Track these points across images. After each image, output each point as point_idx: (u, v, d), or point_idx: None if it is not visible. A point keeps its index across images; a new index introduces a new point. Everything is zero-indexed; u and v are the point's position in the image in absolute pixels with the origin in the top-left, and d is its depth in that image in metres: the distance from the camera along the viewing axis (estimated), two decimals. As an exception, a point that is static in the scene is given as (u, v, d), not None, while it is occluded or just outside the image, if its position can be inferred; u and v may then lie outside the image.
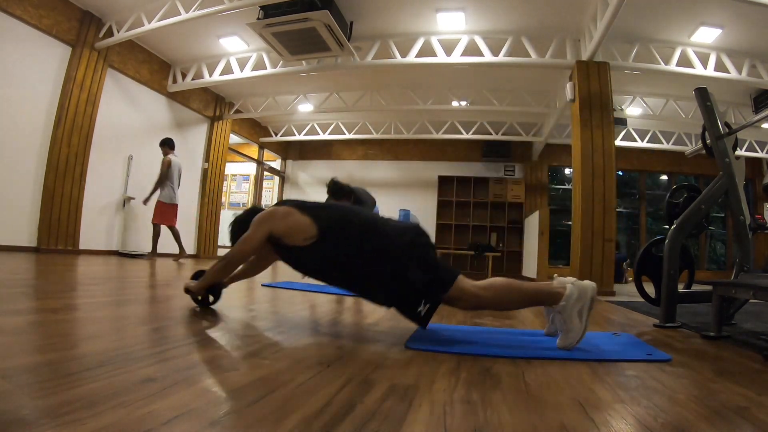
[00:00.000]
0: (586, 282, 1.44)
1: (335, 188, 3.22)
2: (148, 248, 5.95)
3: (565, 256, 8.42)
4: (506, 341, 1.55)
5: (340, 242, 1.50)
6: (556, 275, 1.49)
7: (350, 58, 5.50)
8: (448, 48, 5.27)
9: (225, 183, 8.90)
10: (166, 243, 6.82)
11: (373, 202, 3.62)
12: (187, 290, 1.81)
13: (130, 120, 6.14)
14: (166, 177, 5.58)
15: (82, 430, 0.59)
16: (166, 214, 5.65)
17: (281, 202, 1.68)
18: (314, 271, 1.64)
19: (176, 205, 5.77)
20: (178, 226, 6.27)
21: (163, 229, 5.78)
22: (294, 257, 1.62)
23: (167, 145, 5.73)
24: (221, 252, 8.10)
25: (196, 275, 1.87)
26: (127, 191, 5.99)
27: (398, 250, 1.45)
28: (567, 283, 1.45)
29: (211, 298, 1.85)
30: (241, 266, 1.81)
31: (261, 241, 1.60)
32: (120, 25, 5.36)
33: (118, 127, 5.94)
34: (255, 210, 1.74)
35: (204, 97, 7.62)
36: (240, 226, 1.74)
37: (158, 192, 5.61)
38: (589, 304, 1.40)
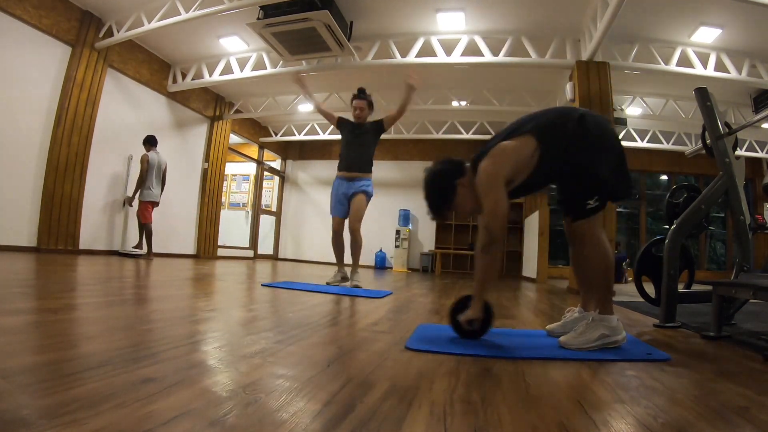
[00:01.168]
0: (624, 332, 1.49)
1: (361, 90, 3.55)
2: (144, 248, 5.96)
3: (565, 256, 8.42)
4: (506, 341, 1.55)
5: (557, 143, 1.50)
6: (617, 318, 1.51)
7: (350, 58, 5.50)
8: (448, 48, 5.27)
9: (225, 183, 8.89)
10: (167, 243, 6.83)
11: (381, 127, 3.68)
12: (471, 321, 1.50)
13: (130, 120, 6.14)
14: (145, 175, 5.58)
15: (82, 430, 0.60)
16: (147, 212, 5.66)
17: (484, 151, 1.55)
18: (536, 188, 1.65)
19: (154, 202, 5.76)
20: (177, 225, 6.26)
21: (153, 225, 5.82)
22: (524, 186, 1.57)
23: (148, 142, 5.73)
24: (221, 252, 8.10)
25: (461, 303, 1.56)
26: (127, 191, 5.98)
27: (606, 147, 1.51)
28: (616, 315, 1.51)
29: (490, 311, 1.56)
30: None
31: (506, 195, 1.48)
32: (120, 25, 5.36)
33: (118, 127, 5.94)
34: (446, 169, 1.61)
35: (204, 97, 7.62)
36: (443, 192, 1.61)
37: (140, 192, 5.61)
38: (611, 342, 1.45)
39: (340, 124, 3.63)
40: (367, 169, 3.55)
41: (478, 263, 1.52)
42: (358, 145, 3.54)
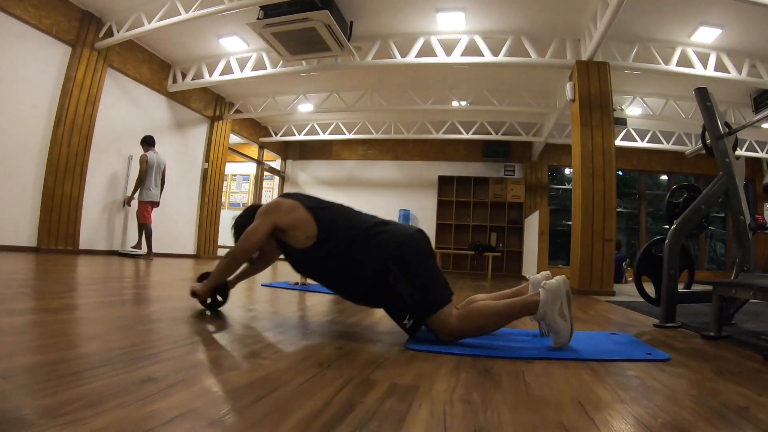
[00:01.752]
0: (555, 280, 1.42)
1: None
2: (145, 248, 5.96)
3: (565, 256, 8.42)
4: (506, 341, 1.55)
5: (337, 245, 1.49)
6: (529, 275, 1.47)
7: (350, 58, 5.50)
8: (448, 48, 5.27)
9: (225, 183, 8.89)
10: (167, 243, 6.83)
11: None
12: (194, 293, 1.76)
13: (130, 120, 6.14)
14: (144, 175, 5.62)
15: (82, 429, 0.60)
16: (147, 212, 5.69)
17: (286, 195, 1.68)
18: (310, 272, 1.64)
19: (155, 203, 5.79)
20: (178, 225, 6.26)
21: (154, 226, 5.83)
22: (294, 256, 1.62)
23: (147, 142, 5.77)
24: (221, 252, 8.10)
25: (202, 277, 1.84)
26: (127, 191, 5.99)
27: (389, 257, 1.41)
28: (539, 285, 1.45)
29: (219, 299, 1.83)
30: (244, 264, 1.79)
31: (267, 232, 1.58)
32: (120, 25, 5.36)
33: (118, 127, 5.94)
34: (255, 207, 1.72)
35: (204, 97, 7.62)
36: (242, 222, 1.72)
37: (139, 192, 5.65)
38: (566, 300, 1.39)
39: None
40: None
41: (223, 261, 1.69)
42: None
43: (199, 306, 1.81)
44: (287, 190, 10.65)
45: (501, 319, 1.45)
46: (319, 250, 1.51)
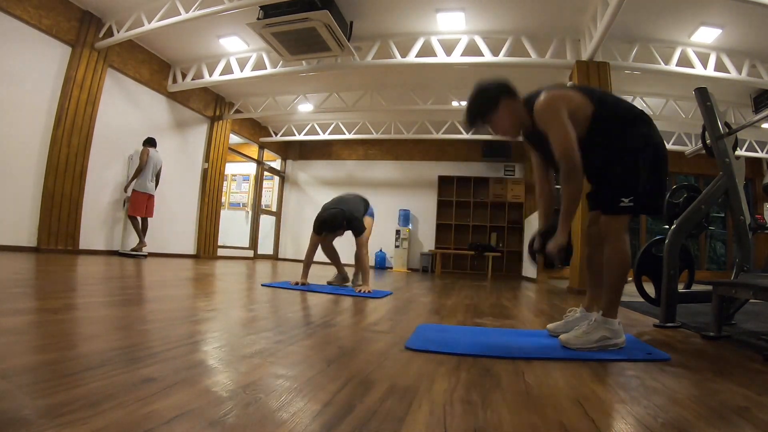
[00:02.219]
0: (624, 336, 1.49)
1: (332, 225, 3.27)
2: (148, 249, 5.95)
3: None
4: (506, 341, 1.55)
5: (610, 117, 1.53)
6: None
7: (350, 58, 5.50)
8: (448, 48, 5.27)
9: (225, 183, 8.89)
10: (166, 243, 6.83)
11: (366, 205, 3.63)
12: (560, 247, 1.51)
13: (130, 120, 6.14)
14: (143, 167, 5.74)
15: (82, 430, 0.60)
16: (139, 203, 5.75)
17: (551, 87, 1.62)
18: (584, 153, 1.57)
19: (150, 195, 5.87)
20: (177, 225, 6.26)
21: (153, 225, 5.87)
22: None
23: (148, 143, 5.94)
24: (221, 252, 8.10)
25: (546, 233, 1.60)
26: (127, 191, 5.98)
27: (651, 144, 1.50)
28: (618, 319, 1.51)
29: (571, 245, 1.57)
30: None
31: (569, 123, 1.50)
32: (120, 25, 5.36)
33: (118, 127, 5.94)
34: (497, 84, 1.64)
35: (204, 97, 7.62)
36: (489, 101, 1.62)
37: (135, 181, 5.74)
38: (611, 344, 1.45)
39: (320, 229, 3.41)
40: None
41: (564, 192, 1.52)
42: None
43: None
44: (287, 190, 10.65)
45: (622, 284, 1.52)
46: (595, 124, 1.52)
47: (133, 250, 5.77)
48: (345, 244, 3.70)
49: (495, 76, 1.71)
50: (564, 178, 1.50)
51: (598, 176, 1.64)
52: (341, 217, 3.25)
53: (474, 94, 1.65)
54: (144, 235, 5.84)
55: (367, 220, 3.49)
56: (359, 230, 3.34)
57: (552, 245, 1.52)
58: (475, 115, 1.65)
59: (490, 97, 1.62)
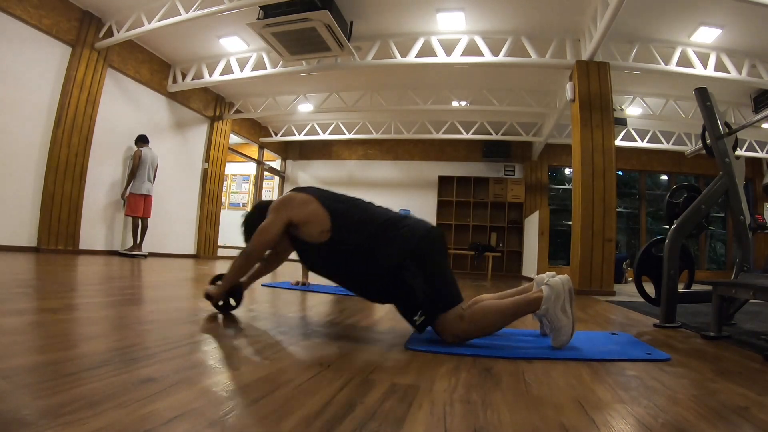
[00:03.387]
0: (558, 279, 1.43)
1: None
2: (148, 249, 5.95)
3: (565, 256, 8.42)
4: (506, 341, 1.55)
5: (351, 239, 1.47)
6: (534, 275, 1.47)
7: (350, 58, 5.50)
8: (448, 48, 5.27)
9: (225, 183, 8.89)
10: (166, 243, 6.83)
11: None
12: (208, 296, 1.72)
13: (130, 120, 6.14)
14: (137, 169, 5.76)
15: (82, 430, 0.59)
16: (136, 205, 5.76)
17: (298, 189, 1.65)
18: (323, 268, 1.61)
19: (146, 196, 5.89)
20: (177, 225, 6.25)
21: (153, 225, 5.87)
22: (306, 252, 1.61)
23: (141, 140, 5.95)
24: (221, 252, 8.10)
25: (215, 279, 1.79)
26: (124, 196, 5.99)
27: (407, 253, 1.40)
28: (543, 283, 1.45)
29: (232, 302, 1.78)
30: (257, 264, 1.78)
31: (281, 228, 1.54)
32: (120, 25, 5.36)
33: (118, 127, 5.94)
34: (264, 204, 1.70)
35: (204, 97, 7.62)
36: (253, 220, 1.68)
37: (131, 184, 5.77)
38: (568, 298, 1.40)
39: None
40: None
41: (237, 260, 1.65)
42: None
43: (212, 309, 1.76)
44: (287, 190, 10.64)
45: (506, 317, 1.44)
46: (333, 245, 1.49)
47: (126, 250, 5.78)
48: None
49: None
50: (242, 251, 1.65)
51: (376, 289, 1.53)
52: None
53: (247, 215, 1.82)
54: (143, 235, 5.84)
55: None
56: None
57: (207, 290, 1.72)
58: (247, 231, 1.77)
59: (258, 214, 1.70)
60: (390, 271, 1.40)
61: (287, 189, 10.59)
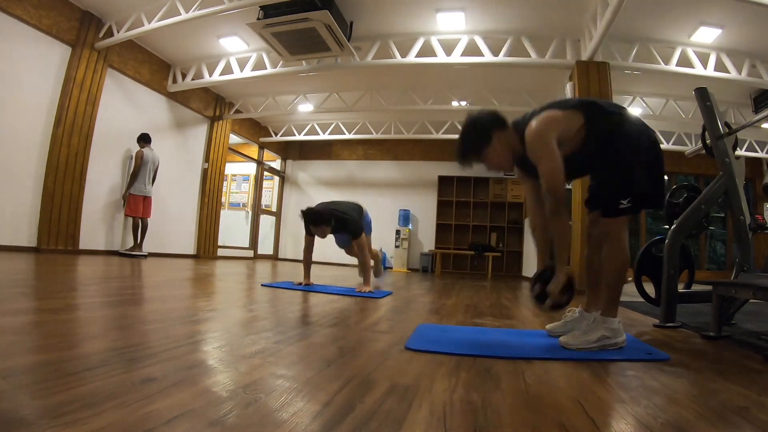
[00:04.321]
0: (624, 335, 1.49)
1: (311, 218, 3.20)
2: (149, 249, 5.95)
3: (565, 256, 8.41)
4: (506, 341, 1.55)
5: (602, 126, 1.51)
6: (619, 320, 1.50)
7: (350, 58, 5.50)
8: (448, 48, 5.27)
9: (225, 183, 8.89)
10: (166, 243, 6.82)
11: (360, 212, 3.67)
12: (563, 289, 1.49)
13: (130, 120, 6.13)
14: (138, 170, 5.75)
15: (82, 430, 0.60)
16: (135, 205, 5.77)
17: (531, 115, 1.56)
18: (577, 167, 1.59)
19: (146, 197, 5.89)
20: (177, 225, 6.25)
21: (153, 225, 5.88)
22: (567, 163, 1.54)
23: (143, 139, 5.92)
24: (221, 252, 8.10)
25: (544, 274, 1.56)
26: (124, 197, 5.99)
27: (645, 149, 1.50)
28: (618, 318, 1.51)
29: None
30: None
31: (561, 156, 1.46)
32: (120, 25, 5.36)
33: (118, 127, 5.94)
34: (488, 116, 1.59)
35: (204, 97, 7.62)
36: (481, 135, 1.57)
37: (132, 185, 5.76)
38: (611, 344, 1.44)
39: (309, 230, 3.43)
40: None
41: (554, 229, 1.52)
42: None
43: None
44: (287, 190, 10.65)
45: (621, 282, 1.52)
46: (588, 132, 1.51)
47: (126, 250, 5.78)
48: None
49: (484, 108, 1.68)
50: (551, 213, 1.50)
51: (596, 178, 1.66)
52: (326, 213, 3.23)
53: (465, 128, 1.62)
54: (143, 235, 5.84)
55: (363, 237, 3.46)
56: (354, 232, 3.34)
57: (554, 286, 1.48)
58: (469, 151, 1.62)
59: (483, 131, 1.57)
60: (623, 153, 1.48)
61: (287, 189, 10.61)
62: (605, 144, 1.51)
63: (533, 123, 1.50)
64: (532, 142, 1.48)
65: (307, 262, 3.44)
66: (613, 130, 1.51)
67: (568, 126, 1.50)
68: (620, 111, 1.57)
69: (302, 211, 3.23)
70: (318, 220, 3.18)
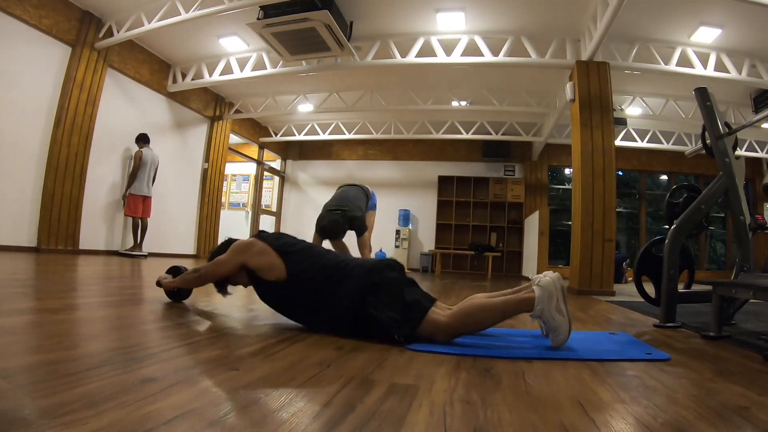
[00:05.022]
0: (549, 277, 1.42)
1: (331, 234, 3.35)
2: (148, 249, 5.95)
3: (565, 256, 8.43)
4: (506, 341, 1.55)
5: (306, 286, 1.54)
6: (531, 276, 1.47)
7: (350, 58, 5.50)
8: (448, 48, 5.27)
9: (225, 183, 8.89)
10: (166, 242, 6.82)
11: (368, 196, 3.67)
12: (159, 284, 1.98)
13: (130, 120, 6.14)
14: (138, 170, 5.75)
15: (82, 430, 0.59)
16: (134, 205, 5.76)
17: (260, 235, 1.74)
18: (279, 306, 1.65)
19: (146, 197, 5.89)
20: (177, 225, 6.24)
21: (153, 225, 5.88)
22: (262, 288, 1.66)
23: (142, 140, 5.92)
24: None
25: (172, 270, 2.04)
26: (124, 197, 5.99)
27: (365, 287, 1.44)
28: (535, 284, 1.45)
29: (181, 295, 1.99)
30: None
31: (234, 268, 1.68)
32: (120, 25, 5.36)
33: (118, 127, 5.94)
34: (231, 241, 1.81)
35: (204, 97, 7.62)
36: (218, 251, 1.81)
37: (132, 185, 5.78)
38: (561, 296, 1.39)
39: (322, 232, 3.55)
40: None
41: (190, 274, 1.84)
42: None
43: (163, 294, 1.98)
44: (287, 190, 10.65)
45: (496, 314, 1.45)
46: (292, 288, 1.57)
47: (126, 250, 5.78)
48: (349, 241, 3.73)
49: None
50: (196, 269, 1.82)
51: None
52: (343, 222, 3.29)
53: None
54: (143, 235, 5.84)
55: (369, 215, 3.51)
56: (361, 230, 3.36)
57: (162, 280, 2.00)
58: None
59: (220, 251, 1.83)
60: (354, 309, 1.43)
61: (287, 189, 10.61)
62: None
63: (246, 239, 1.77)
64: (232, 246, 1.74)
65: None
66: (319, 292, 1.54)
67: (267, 265, 1.62)
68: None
69: (321, 227, 3.37)
70: (337, 232, 3.37)
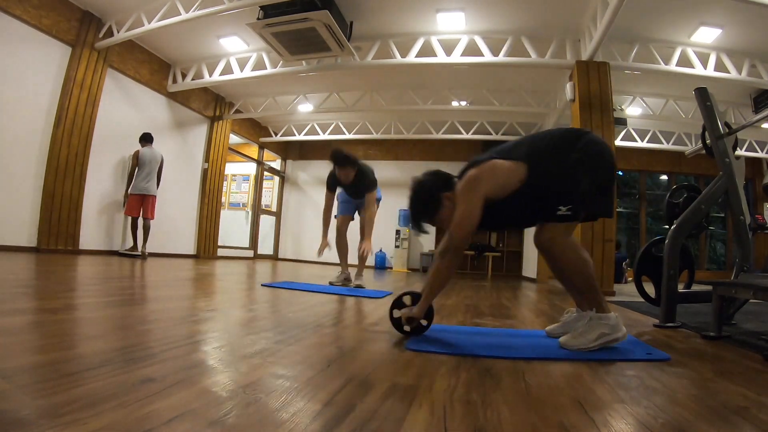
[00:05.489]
0: (623, 331, 1.47)
1: (340, 157, 3.35)
2: (148, 249, 5.95)
3: (565, 256, 8.41)
4: (506, 341, 1.55)
5: (547, 166, 1.50)
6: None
7: (350, 58, 5.50)
8: (448, 48, 5.27)
9: (225, 183, 8.89)
10: (166, 243, 6.82)
11: (373, 176, 3.70)
12: (411, 319, 1.54)
13: (130, 120, 6.13)
14: (135, 169, 5.72)
15: (82, 430, 0.60)
16: (132, 205, 5.73)
17: (475, 162, 1.56)
18: (516, 214, 1.60)
19: (146, 196, 5.81)
20: (177, 225, 6.22)
21: (154, 224, 5.87)
22: (498, 210, 1.54)
23: (144, 139, 5.88)
24: (221, 252, 8.10)
25: (401, 298, 1.65)
26: (125, 197, 5.98)
27: (599, 167, 1.50)
28: (614, 312, 1.50)
29: (424, 322, 1.59)
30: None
31: (481, 211, 1.47)
32: (120, 25, 5.36)
33: (118, 127, 5.94)
34: (426, 184, 1.59)
35: (204, 97, 7.62)
36: (426, 209, 1.59)
37: (130, 184, 5.75)
38: (611, 339, 1.44)
39: (332, 184, 3.57)
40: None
41: (433, 267, 1.58)
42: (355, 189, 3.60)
43: (397, 334, 1.57)
44: (287, 190, 10.65)
45: (590, 279, 1.51)
46: (535, 176, 1.49)
47: (126, 250, 5.77)
48: (351, 238, 3.74)
49: (427, 170, 1.66)
50: (439, 253, 1.56)
51: (536, 198, 1.57)
52: (353, 157, 3.35)
53: (413, 196, 1.61)
54: (146, 236, 5.81)
55: (375, 194, 3.59)
56: (371, 184, 3.47)
57: (405, 313, 1.55)
58: (420, 218, 1.63)
59: (430, 198, 1.58)
60: (567, 168, 1.46)
61: (287, 189, 10.61)
62: (546, 185, 1.49)
63: (471, 171, 1.52)
64: (460, 189, 1.52)
65: (326, 220, 3.57)
66: (559, 171, 1.49)
67: (507, 179, 1.50)
68: (575, 141, 1.53)
69: (332, 151, 3.38)
70: (345, 160, 3.34)
